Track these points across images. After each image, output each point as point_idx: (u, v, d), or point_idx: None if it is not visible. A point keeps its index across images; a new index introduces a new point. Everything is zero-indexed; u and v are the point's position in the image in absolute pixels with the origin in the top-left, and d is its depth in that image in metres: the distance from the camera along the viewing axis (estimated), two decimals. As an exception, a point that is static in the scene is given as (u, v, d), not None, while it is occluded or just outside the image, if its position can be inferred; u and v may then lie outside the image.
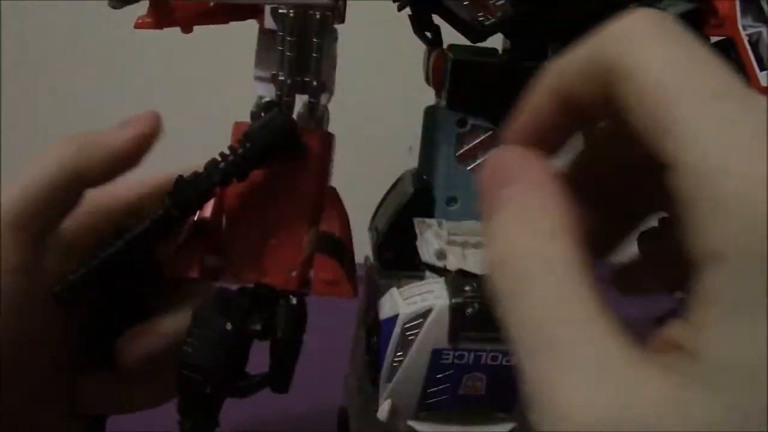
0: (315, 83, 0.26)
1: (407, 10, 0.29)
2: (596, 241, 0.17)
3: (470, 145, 0.32)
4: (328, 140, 0.27)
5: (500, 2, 0.28)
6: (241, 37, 0.29)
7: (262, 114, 0.27)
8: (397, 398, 0.27)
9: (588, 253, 0.14)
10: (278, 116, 0.25)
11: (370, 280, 0.31)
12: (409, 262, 0.30)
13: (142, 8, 0.27)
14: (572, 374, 0.13)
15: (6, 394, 0.25)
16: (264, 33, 0.28)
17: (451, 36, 0.30)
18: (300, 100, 0.28)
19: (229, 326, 0.25)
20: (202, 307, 0.26)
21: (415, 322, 0.27)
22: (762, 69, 0.28)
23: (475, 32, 0.28)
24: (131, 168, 0.26)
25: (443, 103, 0.32)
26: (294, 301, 0.25)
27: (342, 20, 0.28)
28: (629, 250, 0.19)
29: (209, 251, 0.25)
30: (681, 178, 0.14)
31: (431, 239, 0.30)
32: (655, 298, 0.20)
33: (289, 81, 0.26)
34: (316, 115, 0.27)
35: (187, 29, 0.27)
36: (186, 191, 0.24)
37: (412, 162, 0.34)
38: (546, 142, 0.17)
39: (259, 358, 0.26)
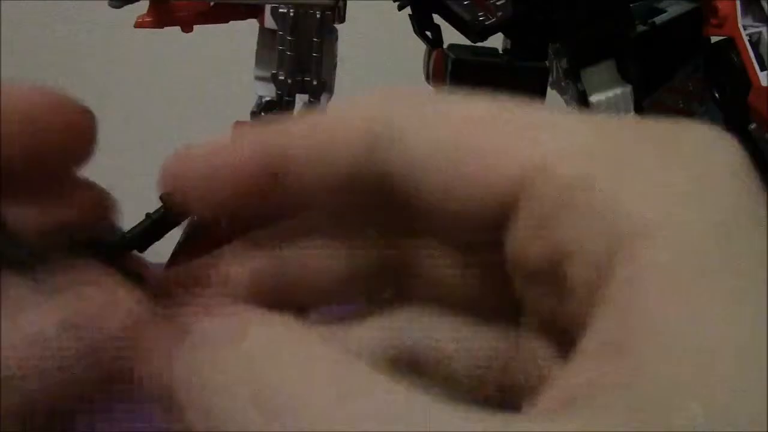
0: (315, 82, 0.26)
1: (408, 10, 0.29)
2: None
3: (470, 145, 0.32)
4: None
5: (500, 2, 0.27)
6: (241, 37, 0.29)
7: (262, 113, 0.27)
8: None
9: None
10: (276, 114, 0.24)
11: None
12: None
13: (142, 8, 0.26)
14: None
15: None
16: (264, 33, 0.27)
17: (451, 36, 0.30)
18: (300, 100, 0.27)
19: None
20: None
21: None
22: (762, 69, 0.28)
23: (476, 32, 0.28)
24: None
25: (443, 103, 0.32)
26: None
27: (342, 20, 0.28)
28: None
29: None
30: None
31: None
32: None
33: (289, 80, 0.26)
34: (317, 114, 0.27)
35: (187, 28, 0.26)
36: None
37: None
38: None
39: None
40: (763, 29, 0.28)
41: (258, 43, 0.28)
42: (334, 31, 0.28)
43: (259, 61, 0.28)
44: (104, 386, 0.13)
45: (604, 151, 0.12)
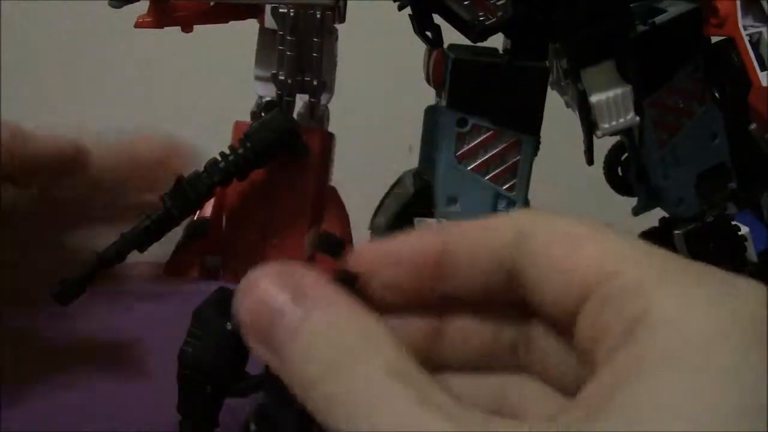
0: (315, 83, 0.25)
1: (408, 10, 0.29)
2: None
3: (470, 145, 0.31)
4: (328, 140, 0.26)
5: (500, 2, 0.27)
6: (241, 37, 0.28)
7: (263, 114, 0.26)
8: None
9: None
10: (278, 116, 0.24)
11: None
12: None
13: (142, 7, 0.26)
14: None
15: None
16: (264, 33, 0.27)
17: (451, 36, 0.30)
18: (300, 100, 0.27)
19: (229, 326, 0.24)
20: (203, 306, 0.25)
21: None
22: (762, 69, 0.28)
23: (476, 32, 0.27)
24: None
25: (443, 102, 0.31)
26: None
27: (342, 20, 0.27)
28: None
29: (209, 251, 0.25)
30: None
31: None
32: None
33: (289, 80, 0.25)
34: (317, 114, 0.26)
35: (187, 28, 0.26)
36: (186, 191, 0.23)
37: (412, 162, 0.33)
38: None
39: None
40: (763, 29, 0.28)
41: (258, 43, 0.28)
42: (335, 32, 0.28)
43: (259, 61, 0.27)
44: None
45: (649, 265, 0.15)
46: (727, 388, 0.13)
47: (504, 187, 0.32)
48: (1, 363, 0.25)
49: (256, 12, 0.26)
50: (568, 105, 0.33)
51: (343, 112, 0.29)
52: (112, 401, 0.34)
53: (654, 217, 0.34)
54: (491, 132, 0.31)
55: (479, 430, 0.14)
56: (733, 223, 0.31)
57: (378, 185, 0.33)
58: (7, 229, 0.27)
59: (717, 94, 0.30)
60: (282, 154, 0.24)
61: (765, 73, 0.27)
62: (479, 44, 0.30)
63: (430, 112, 0.33)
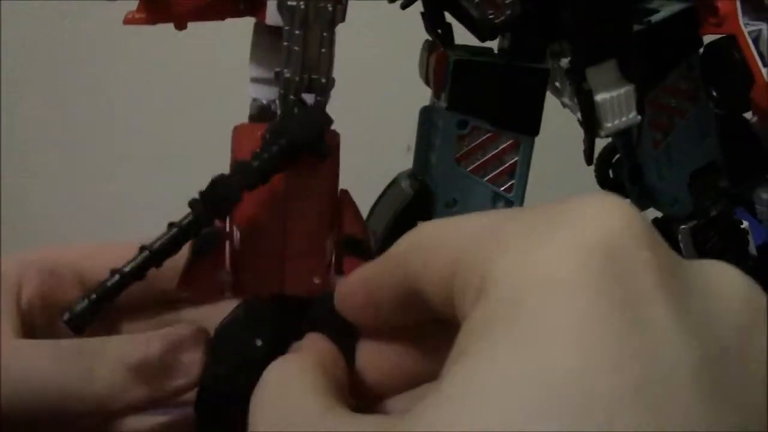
0: (324, 80, 0.23)
1: (413, 9, 0.27)
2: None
3: (470, 147, 0.30)
4: (338, 140, 0.24)
5: (509, 0, 0.26)
6: (231, 37, 0.26)
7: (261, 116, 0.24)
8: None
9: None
10: (318, 111, 0.22)
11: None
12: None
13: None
14: None
15: None
16: (262, 30, 0.25)
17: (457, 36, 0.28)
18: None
19: (259, 343, 0.22)
20: (227, 324, 0.22)
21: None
22: (764, 65, 0.27)
23: (485, 30, 0.26)
24: None
25: (443, 104, 0.30)
26: None
27: (342, 19, 0.25)
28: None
29: (223, 265, 0.22)
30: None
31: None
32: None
33: (297, 78, 0.23)
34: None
35: (180, 25, 0.24)
36: (219, 195, 0.21)
37: (411, 162, 0.31)
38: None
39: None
40: (763, 27, 0.27)
41: (254, 43, 0.25)
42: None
43: (257, 61, 0.25)
44: None
45: (491, 234, 0.15)
46: (551, 351, 0.12)
47: (502, 188, 0.31)
48: None
49: (255, 9, 0.24)
50: (564, 105, 0.32)
51: (340, 112, 0.27)
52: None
53: (649, 216, 0.33)
54: (490, 134, 0.30)
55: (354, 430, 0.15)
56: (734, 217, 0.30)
57: (377, 185, 0.31)
58: None
59: (714, 93, 0.29)
60: (308, 155, 0.22)
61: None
62: (474, 44, 0.29)
63: (426, 113, 0.32)
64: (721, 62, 0.29)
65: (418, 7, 0.28)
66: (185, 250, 0.22)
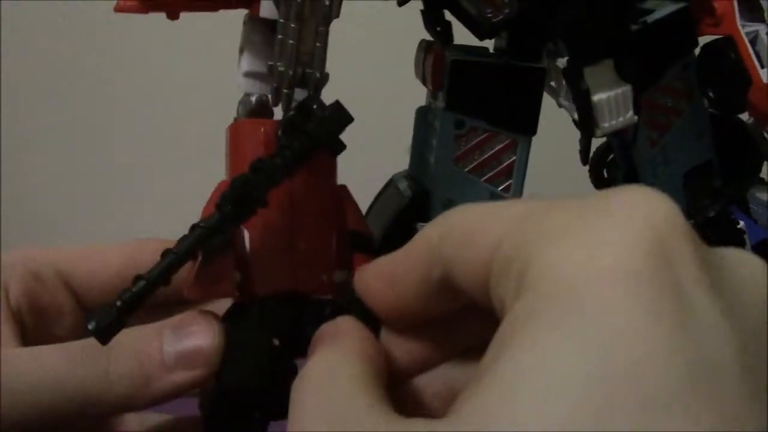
0: (318, 75, 0.22)
1: (410, 7, 0.27)
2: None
3: (467, 147, 0.29)
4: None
5: (507, -1, 0.25)
6: (231, 38, 0.25)
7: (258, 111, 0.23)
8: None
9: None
10: (340, 108, 0.21)
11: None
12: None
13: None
14: None
15: None
16: (254, 24, 0.24)
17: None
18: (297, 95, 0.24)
19: (276, 342, 0.21)
20: (242, 323, 0.21)
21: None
22: (761, 67, 0.27)
23: (483, 29, 0.25)
24: None
25: (440, 104, 0.29)
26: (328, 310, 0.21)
27: (336, 15, 0.24)
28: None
29: (234, 266, 0.21)
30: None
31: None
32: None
33: (290, 72, 0.22)
34: (319, 110, 0.23)
35: (173, 15, 0.23)
36: (248, 194, 0.19)
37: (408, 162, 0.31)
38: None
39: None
40: (760, 28, 0.27)
41: (245, 37, 0.25)
42: (329, 25, 0.25)
43: (250, 55, 0.24)
44: None
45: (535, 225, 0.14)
46: (586, 347, 0.12)
47: (500, 188, 0.30)
48: None
49: (248, 1, 0.23)
50: (560, 105, 0.31)
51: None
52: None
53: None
54: (487, 133, 0.29)
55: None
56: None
57: (376, 185, 0.30)
58: None
59: (711, 93, 0.29)
60: (323, 151, 0.21)
61: (765, 70, 0.26)
62: (468, 43, 0.28)
63: (423, 113, 0.31)
64: (718, 63, 0.28)
65: (417, 5, 0.27)
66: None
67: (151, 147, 0.63)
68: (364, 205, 0.30)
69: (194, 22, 0.24)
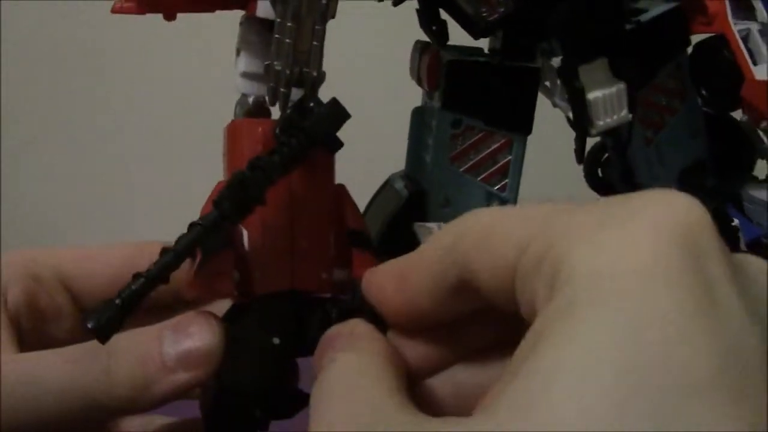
0: (315, 74, 0.22)
1: (406, 7, 0.26)
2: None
3: (463, 146, 0.29)
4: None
5: (502, -3, 0.25)
6: (232, 37, 0.25)
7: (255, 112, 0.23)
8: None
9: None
10: (337, 105, 0.21)
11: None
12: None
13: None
14: None
15: None
16: (251, 24, 0.23)
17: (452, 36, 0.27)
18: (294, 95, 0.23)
19: (276, 341, 0.21)
20: (242, 322, 0.21)
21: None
22: (754, 63, 0.26)
23: (478, 28, 0.25)
24: None
25: (437, 104, 0.29)
26: (331, 310, 0.20)
27: (333, 15, 0.24)
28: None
29: (234, 265, 0.20)
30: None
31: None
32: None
33: (287, 71, 0.22)
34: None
35: (169, 16, 0.22)
36: (247, 191, 0.19)
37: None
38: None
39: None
40: (752, 26, 0.26)
41: (242, 37, 0.24)
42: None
43: (248, 55, 0.23)
44: None
45: (557, 224, 0.14)
46: (620, 339, 0.12)
47: (496, 188, 0.30)
48: None
49: (244, 1, 0.23)
50: (555, 104, 0.31)
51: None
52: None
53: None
54: (483, 133, 0.29)
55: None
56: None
57: (376, 185, 0.30)
58: None
59: (704, 92, 0.28)
60: (320, 148, 0.21)
61: (758, 67, 0.26)
62: (463, 43, 0.28)
63: (418, 114, 0.31)
64: (711, 61, 0.28)
65: (411, 5, 0.27)
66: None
67: (150, 147, 0.62)
68: (360, 206, 0.29)
69: (193, 23, 0.24)
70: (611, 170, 0.33)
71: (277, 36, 0.22)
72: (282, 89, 0.22)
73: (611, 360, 0.12)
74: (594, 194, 0.33)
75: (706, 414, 0.12)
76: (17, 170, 0.63)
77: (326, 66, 0.25)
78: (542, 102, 0.30)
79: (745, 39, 0.27)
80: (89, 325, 0.18)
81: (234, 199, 0.19)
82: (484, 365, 0.18)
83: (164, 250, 0.19)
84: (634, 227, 0.13)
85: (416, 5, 0.28)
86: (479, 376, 0.18)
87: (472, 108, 0.28)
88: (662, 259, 0.13)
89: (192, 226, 0.19)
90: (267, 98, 0.23)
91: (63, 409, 0.19)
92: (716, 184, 0.31)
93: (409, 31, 0.28)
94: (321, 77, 0.23)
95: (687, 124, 0.30)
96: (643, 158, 0.30)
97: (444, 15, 0.27)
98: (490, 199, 0.30)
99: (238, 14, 0.24)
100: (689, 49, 0.29)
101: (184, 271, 0.20)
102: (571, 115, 0.29)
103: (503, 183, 0.30)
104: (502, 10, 0.25)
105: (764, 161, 0.30)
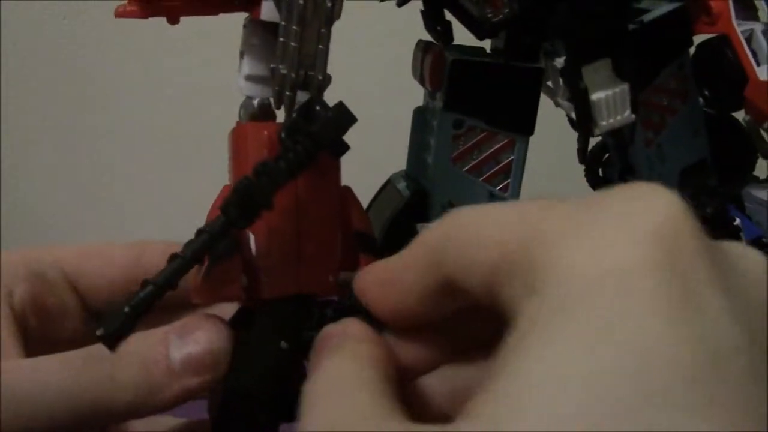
0: (321, 77, 0.21)
1: (409, 7, 0.26)
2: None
3: (465, 147, 0.29)
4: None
5: (506, -2, 0.24)
6: (233, 37, 0.24)
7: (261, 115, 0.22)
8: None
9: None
10: (343, 109, 0.20)
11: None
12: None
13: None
14: None
15: None
16: (255, 27, 0.23)
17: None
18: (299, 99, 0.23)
19: (284, 345, 0.20)
20: (249, 327, 0.20)
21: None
22: (757, 64, 0.26)
23: (483, 29, 0.24)
24: None
25: (439, 104, 0.28)
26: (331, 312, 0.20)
27: (339, 15, 0.23)
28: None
29: (242, 270, 0.20)
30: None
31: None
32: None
33: (293, 74, 0.21)
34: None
35: (173, 20, 0.22)
36: (254, 197, 0.18)
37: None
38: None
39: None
40: (755, 26, 0.26)
41: (246, 40, 0.23)
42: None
43: (252, 58, 0.23)
44: None
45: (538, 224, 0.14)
46: (594, 347, 0.12)
47: (498, 188, 0.29)
48: None
49: (248, 4, 0.22)
50: (557, 105, 0.30)
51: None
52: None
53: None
54: (485, 133, 0.29)
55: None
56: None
57: (376, 185, 0.29)
58: None
59: (707, 92, 0.28)
60: (326, 152, 0.20)
61: (762, 67, 0.26)
62: (464, 43, 0.28)
63: (420, 114, 0.30)
64: (714, 62, 0.28)
65: (415, 6, 0.27)
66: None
67: (153, 149, 0.62)
68: (367, 202, 0.29)
69: (196, 26, 0.23)
70: (612, 170, 0.32)
71: (282, 39, 0.21)
72: (287, 92, 0.21)
73: (581, 369, 0.11)
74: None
75: (676, 424, 0.11)
76: (17, 170, 0.62)
77: (330, 65, 0.25)
78: (543, 101, 0.30)
79: (749, 39, 0.26)
80: (98, 333, 0.17)
81: (241, 205, 0.18)
82: (480, 363, 0.17)
83: (173, 256, 0.18)
84: (610, 226, 0.13)
85: (419, 5, 0.27)
86: (474, 373, 0.17)
87: (475, 108, 0.28)
88: (639, 259, 0.12)
89: (200, 232, 0.18)
90: (272, 101, 0.22)
91: (65, 414, 0.19)
92: (717, 184, 0.30)
93: (410, 30, 0.28)
94: (326, 80, 0.22)
95: (688, 124, 0.30)
96: (644, 158, 0.30)
97: (448, 16, 0.26)
98: (491, 199, 0.29)
99: (242, 17, 0.24)
100: (692, 50, 0.29)
101: (191, 274, 0.19)
102: (574, 115, 0.28)
103: (505, 183, 0.29)
104: (506, 11, 0.24)
105: (765, 161, 0.30)
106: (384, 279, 0.17)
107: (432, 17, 0.26)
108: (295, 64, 0.21)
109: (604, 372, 0.11)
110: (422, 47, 0.29)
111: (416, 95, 0.30)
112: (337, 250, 0.21)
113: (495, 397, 0.12)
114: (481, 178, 0.29)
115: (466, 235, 0.15)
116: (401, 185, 0.30)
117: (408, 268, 0.17)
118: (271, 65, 0.22)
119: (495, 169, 0.29)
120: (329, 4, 0.21)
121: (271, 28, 0.22)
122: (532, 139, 0.29)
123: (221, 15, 0.23)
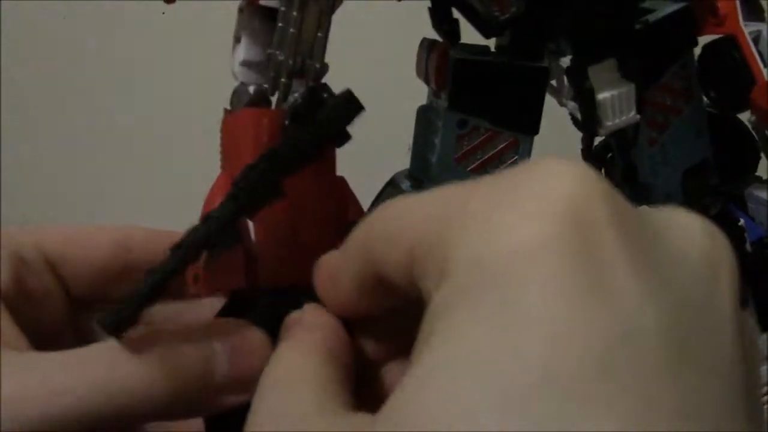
0: (318, 65, 0.21)
1: (414, 5, 0.25)
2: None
3: (469, 146, 0.28)
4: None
5: (513, -4, 0.23)
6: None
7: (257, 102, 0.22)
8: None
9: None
10: (350, 97, 0.19)
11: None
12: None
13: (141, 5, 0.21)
14: None
15: None
16: (251, 12, 0.22)
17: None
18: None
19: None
20: (245, 316, 0.19)
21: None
22: (764, 66, 0.25)
23: (490, 27, 0.24)
24: None
25: (443, 103, 0.27)
26: None
27: (340, 2, 0.23)
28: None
29: (244, 260, 0.19)
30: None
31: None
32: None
33: (290, 61, 0.20)
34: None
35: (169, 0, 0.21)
36: (261, 182, 0.18)
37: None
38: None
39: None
40: (763, 28, 0.25)
41: (242, 25, 0.23)
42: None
43: (248, 43, 0.22)
44: None
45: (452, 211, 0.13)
46: (500, 336, 0.11)
47: (501, 188, 0.28)
48: None
49: (246, -13, 0.22)
50: (561, 104, 0.29)
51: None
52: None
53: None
54: (489, 133, 0.28)
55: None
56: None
57: (377, 185, 0.29)
58: None
59: (712, 92, 0.27)
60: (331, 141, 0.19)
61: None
62: (466, 42, 0.27)
63: (424, 113, 0.29)
64: (720, 63, 0.27)
65: (421, 4, 0.26)
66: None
67: (154, 149, 0.61)
68: (364, 204, 0.28)
69: (196, 26, 0.23)
70: (615, 169, 0.31)
71: (281, 25, 0.20)
72: (283, 79, 0.21)
73: (488, 363, 0.11)
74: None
75: (584, 415, 0.10)
76: (17, 169, 0.62)
77: (331, 63, 0.24)
78: (549, 102, 0.29)
79: (755, 41, 0.25)
80: (103, 322, 0.16)
81: (251, 191, 0.17)
82: None
83: (177, 245, 0.17)
84: (514, 206, 0.12)
85: (425, 3, 0.26)
86: None
87: (479, 107, 0.27)
88: (545, 238, 0.11)
89: (206, 218, 0.17)
90: (268, 87, 0.22)
91: (92, 419, 0.17)
92: (720, 184, 0.29)
93: (414, 28, 0.27)
94: (324, 69, 0.21)
95: (692, 124, 0.29)
96: (647, 158, 0.29)
97: (456, 14, 0.26)
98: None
99: (235, 4, 0.23)
100: (697, 50, 0.28)
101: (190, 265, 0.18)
102: (578, 115, 0.27)
103: (508, 183, 0.29)
104: (513, 9, 0.24)
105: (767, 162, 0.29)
106: (327, 271, 0.17)
107: (439, 15, 0.26)
108: (292, 51, 0.21)
109: (508, 363, 0.11)
110: (427, 46, 0.29)
111: (420, 94, 0.29)
112: (334, 239, 0.20)
113: (400, 394, 0.11)
114: (484, 178, 0.28)
115: (386, 225, 0.14)
116: (405, 184, 0.29)
117: (344, 261, 0.16)
118: (268, 50, 0.21)
119: (499, 168, 0.29)
120: (331, -9, 0.20)
121: (268, 13, 0.22)
122: (535, 139, 0.28)
123: (218, 12, 0.23)
